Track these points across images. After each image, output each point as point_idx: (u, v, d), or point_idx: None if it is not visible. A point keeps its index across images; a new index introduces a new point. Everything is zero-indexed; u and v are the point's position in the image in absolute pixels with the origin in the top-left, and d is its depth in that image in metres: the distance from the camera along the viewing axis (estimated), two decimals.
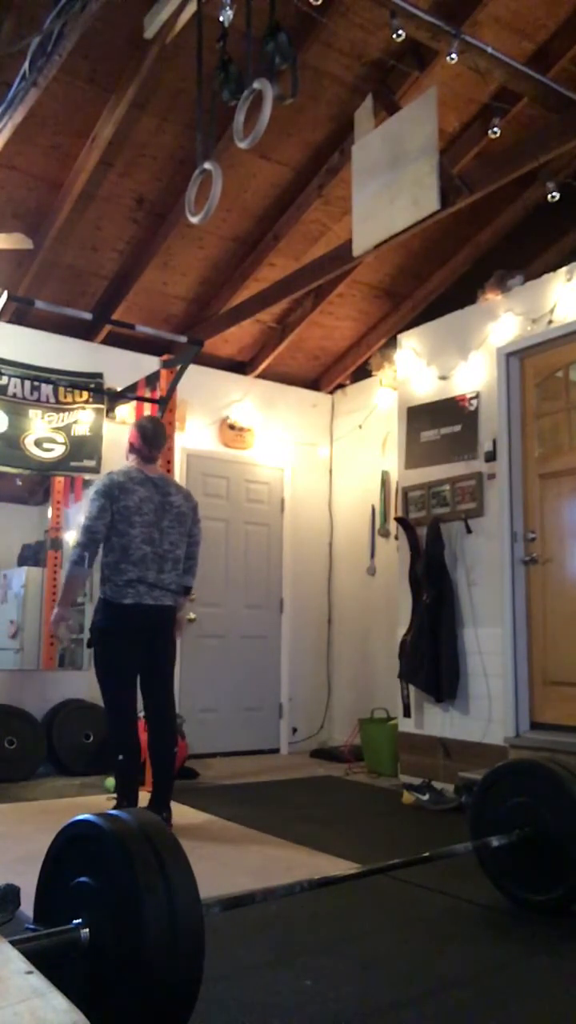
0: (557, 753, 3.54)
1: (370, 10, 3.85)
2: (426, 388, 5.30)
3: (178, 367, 4.87)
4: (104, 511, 3.73)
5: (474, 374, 4.98)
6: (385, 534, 6.15)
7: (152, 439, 3.95)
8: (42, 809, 4.21)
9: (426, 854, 2.54)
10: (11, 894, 2.30)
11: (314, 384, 6.93)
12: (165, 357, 5.18)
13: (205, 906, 1.72)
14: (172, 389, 4.87)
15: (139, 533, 3.76)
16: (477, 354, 4.97)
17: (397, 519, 5.39)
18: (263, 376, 6.60)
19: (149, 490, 3.84)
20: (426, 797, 4.36)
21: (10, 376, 5.33)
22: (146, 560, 3.76)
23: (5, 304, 4.57)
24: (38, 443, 5.40)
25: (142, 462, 3.94)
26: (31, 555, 6.31)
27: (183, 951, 1.56)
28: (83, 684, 5.55)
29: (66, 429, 5.50)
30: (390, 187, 4.25)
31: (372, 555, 6.27)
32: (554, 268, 4.65)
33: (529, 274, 4.85)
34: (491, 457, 4.77)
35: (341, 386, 6.91)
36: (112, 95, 4.27)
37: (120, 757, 3.69)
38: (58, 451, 5.45)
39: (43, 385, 5.43)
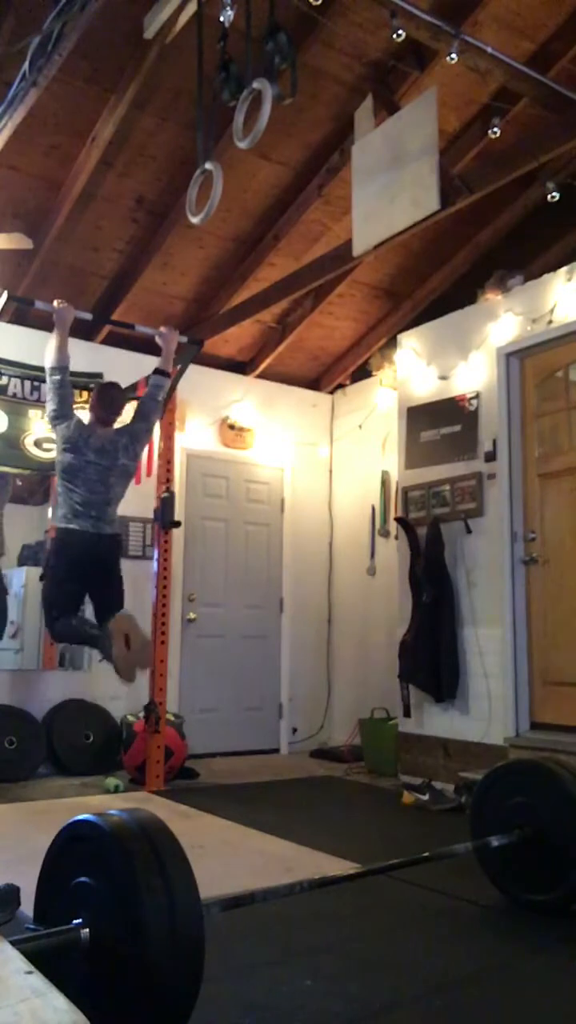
0: (557, 753, 3.54)
1: (370, 10, 3.85)
2: (426, 388, 5.30)
3: (178, 367, 4.87)
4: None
5: (474, 374, 4.98)
6: (385, 534, 6.15)
7: (108, 404, 4.24)
8: (42, 809, 4.21)
9: (426, 854, 2.55)
10: (11, 894, 2.30)
11: (314, 384, 6.93)
12: None
13: (205, 906, 1.72)
14: (172, 389, 4.87)
15: (82, 486, 4.04)
16: (477, 354, 4.97)
17: (397, 519, 5.39)
18: (263, 376, 6.59)
19: (98, 455, 4.08)
20: (426, 797, 4.36)
21: (10, 376, 5.33)
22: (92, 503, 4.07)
23: (5, 304, 4.58)
24: (38, 443, 5.40)
25: (98, 424, 4.20)
26: (31, 555, 6.29)
27: (183, 951, 1.56)
28: (83, 684, 5.55)
29: None
30: (390, 187, 4.25)
31: (372, 555, 6.27)
32: (554, 268, 4.66)
33: (529, 274, 4.85)
34: (491, 457, 4.77)
35: (341, 386, 6.90)
36: (112, 95, 4.27)
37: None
38: None
39: (43, 385, 5.39)
